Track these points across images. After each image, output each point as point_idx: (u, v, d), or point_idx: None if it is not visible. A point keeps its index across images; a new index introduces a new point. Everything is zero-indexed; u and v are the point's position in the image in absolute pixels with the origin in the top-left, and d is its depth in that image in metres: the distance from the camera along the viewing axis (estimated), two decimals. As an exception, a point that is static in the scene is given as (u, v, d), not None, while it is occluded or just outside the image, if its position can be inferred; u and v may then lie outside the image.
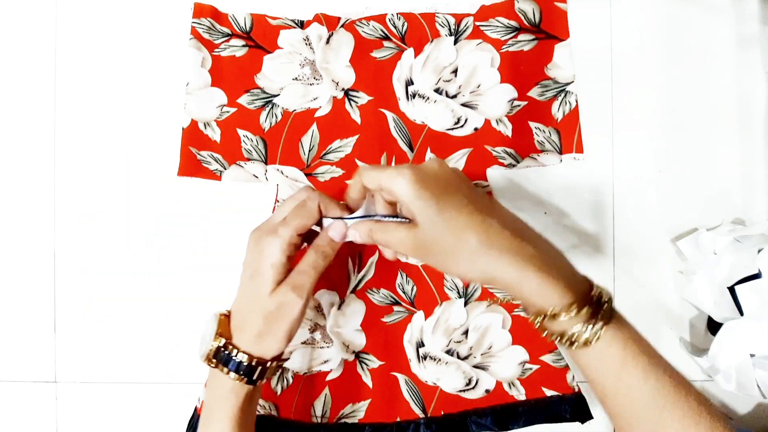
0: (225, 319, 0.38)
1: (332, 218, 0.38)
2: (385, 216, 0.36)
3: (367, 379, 0.48)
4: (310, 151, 0.48)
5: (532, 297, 0.31)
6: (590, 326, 0.30)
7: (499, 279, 0.31)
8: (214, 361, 0.36)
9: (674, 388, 0.30)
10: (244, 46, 0.48)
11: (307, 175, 0.48)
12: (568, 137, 0.49)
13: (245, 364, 0.35)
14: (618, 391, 0.31)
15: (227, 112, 0.48)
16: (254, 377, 0.36)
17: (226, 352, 0.36)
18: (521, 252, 0.30)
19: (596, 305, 0.30)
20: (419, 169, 0.32)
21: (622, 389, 0.30)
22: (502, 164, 0.48)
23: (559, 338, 0.31)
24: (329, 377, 0.48)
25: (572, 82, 0.49)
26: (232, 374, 0.35)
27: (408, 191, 0.31)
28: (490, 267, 0.30)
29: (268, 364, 0.36)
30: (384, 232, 0.34)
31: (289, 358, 0.40)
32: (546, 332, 0.32)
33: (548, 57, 0.48)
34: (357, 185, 0.37)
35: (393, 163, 0.48)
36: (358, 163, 0.48)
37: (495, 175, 0.49)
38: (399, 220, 0.35)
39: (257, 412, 0.46)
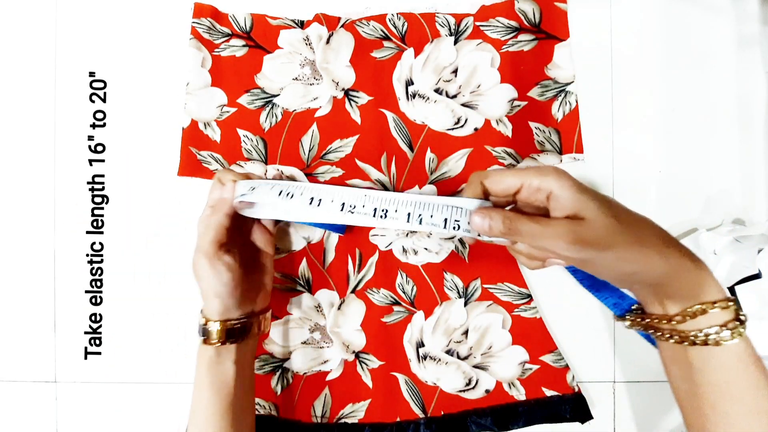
0: None
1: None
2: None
3: (367, 379, 0.48)
4: (310, 151, 0.48)
5: (701, 291, 0.31)
6: (735, 325, 0.30)
7: (676, 272, 0.31)
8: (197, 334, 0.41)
9: None
10: (244, 46, 0.48)
11: (307, 175, 0.48)
12: (568, 137, 0.49)
13: (201, 325, 0.40)
14: (742, 394, 0.31)
15: (227, 112, 0.48)
16: (209, 336, 0.40)
17: (198, 321, 0.41)
18: (677, 246, 0.31)
19: (736, 308, 0.31)
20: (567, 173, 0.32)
21: (747, 390, 0.30)
22: (502, 164, 0.48)
23: (695, 337, 0.31)
24: (329, 377, 0.48)
25: (572, 82, 0.49)
26: (200, 338, 0.40)
27: (574, 185, 0.31)
28: (672, 260, 0.31)
29: (218, 324, 0.39)
30: (535, 223, 0.31)
31: (250, 317, 0.42)
32: (686, 329, 0.31)
33: (548, 57, 0.48)
34: (476, 188, 0.35)
35: (393, 163, 0.48)
36: (358, 163, 0.48)
37: (495, 175, 0.49)
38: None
39: (257, 412, 0.46)
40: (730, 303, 0.31)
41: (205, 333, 0.40)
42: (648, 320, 0.33)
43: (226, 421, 0.39)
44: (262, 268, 0.43)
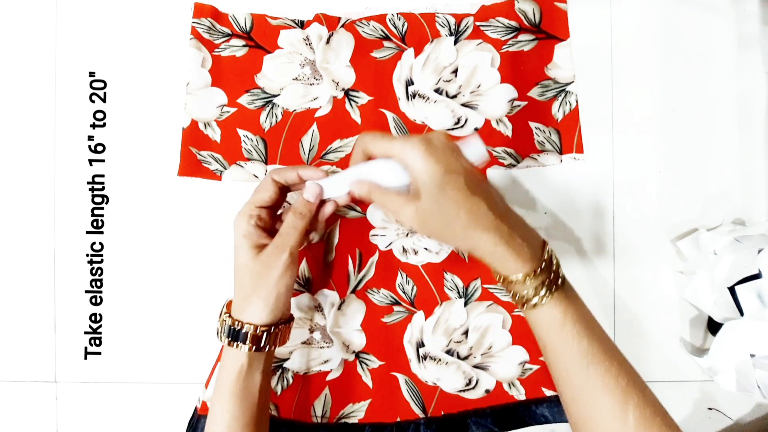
0: (230, 301, 0.41)
1: (317, 181, 0.40)
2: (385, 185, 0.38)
3: (367, 379, 0.48)
4: (310, 151, 0.48)
5: (501, 267, 0.36)
6: (540, 292, 0.36)
7: (479, 251, 0.36)
8: (221, 336, 0.39)
9: (602, 352, 0.35)
10: (244, 46, 0.48)
11: None
12: (568, 137, 0.49)
13: (237, 330, 0.38)
14: (555, 348, 0.36)
15: (227, 112, 0.48)
16: (246, 342, 0.38)
17: (226, 323, 0.39)
18: (499, 231, 0.35)
19: (547, 273, 0.36)
20: (429, 144, 0.36)
21: (558, 346, 0.36)
22: (502, 164, 0.48)
23: (515, 299, 0.37)
24: (329, 377, 0.48)
25: (572, 82, 0.49)
26: (232, 343, 0.38)
27: (419, 165, 0.35)
28: (474, 241, 0.36)
29: (257, 329, 0.38)
30: (385, 195, 0.38)
31: (288, 324, 0.41)
32: (509, 293, 0.38)
33: (548, 57, 0.48)
34: (359, 154, 0.40)
35: None
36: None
37: (495, 175, 0.49)
38: (399, 188, 0.38)
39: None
40: (539, 273, 0.35)
41: (240, 338, 0.38)
42: (503, 287, 0.38)
43: (245, 429, 0.38)
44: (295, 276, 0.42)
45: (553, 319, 0.36)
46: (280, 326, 0.39)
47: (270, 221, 0.41)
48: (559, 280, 0.36)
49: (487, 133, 0.48)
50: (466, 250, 0.37)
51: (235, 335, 0.38)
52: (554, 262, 0.37)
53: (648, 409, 0.34)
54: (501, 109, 0.48)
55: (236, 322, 0.38)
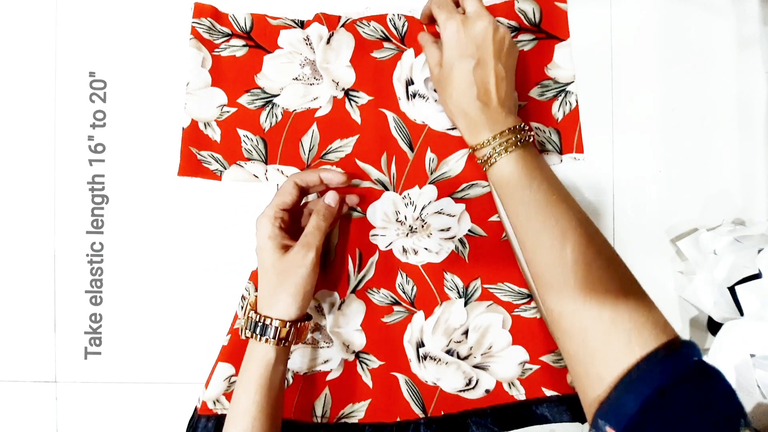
0: (255, 298, 0.43)
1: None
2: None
3: (367, 379, 0.48)
4: (310, 151, 0.48)
5: (471, 133, 0.42)
6: (496, 149, 0.40)
7: (458, 124, 0.43)
8: (246, 332, 0.41)
9: (546, 199, 0.39)
10: (244, 46, 0.48)
11: None
12: (569, 137, 0.49)
13: (267, 326, 0.40)
14: (505, 199, 0.41)
15: (227, 111, 0.48)
16: (276, 337, 0.40)
17: (253, 320, 0.41)
18: (479, 112, 0.41)
19: (509, 137, 0.40)
20: (466, 24, 0.41)
21: (508, 196, 0.40)
22: None
23: (481, 163, 0.42)
24: (329, 377, 0.48)
25: (572, 82, 0.49)
26: (261, 338, 0.40)
27: (444, 38, 0.42)
28: (456, 115, 0.43)
29: (287, 325, 0.40)
30: (430, 49, 0.44)
31: (308, 321, 0.43)
32: (478, 160, 0.42)
33: (548, 57, 0.48)
34: (426, 13, 0.46)
35: (393, 163, 0.48)
36: (358, 163, 0.48)
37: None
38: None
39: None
40: (501, 136, 0.40)
41: (268, 333, 0.40)
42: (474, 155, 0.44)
43: (270, 424, 0.40)
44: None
45: (504, 172, 0.40)
46: (304, 322, 0.42)
47: (290, 223, 0.44)
48: (515, 146, 0.40)
49: None
50: (452, 114, 0.43)
51: (263, 330, 0.40)
52: (520, 135, 0.41)
53: (590, 249, 0.37)
54: None
55: (265, 318, 0.40)
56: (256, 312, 0.41)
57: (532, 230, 0.39)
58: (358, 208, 0.48)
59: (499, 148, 0.40)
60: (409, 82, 0.48)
